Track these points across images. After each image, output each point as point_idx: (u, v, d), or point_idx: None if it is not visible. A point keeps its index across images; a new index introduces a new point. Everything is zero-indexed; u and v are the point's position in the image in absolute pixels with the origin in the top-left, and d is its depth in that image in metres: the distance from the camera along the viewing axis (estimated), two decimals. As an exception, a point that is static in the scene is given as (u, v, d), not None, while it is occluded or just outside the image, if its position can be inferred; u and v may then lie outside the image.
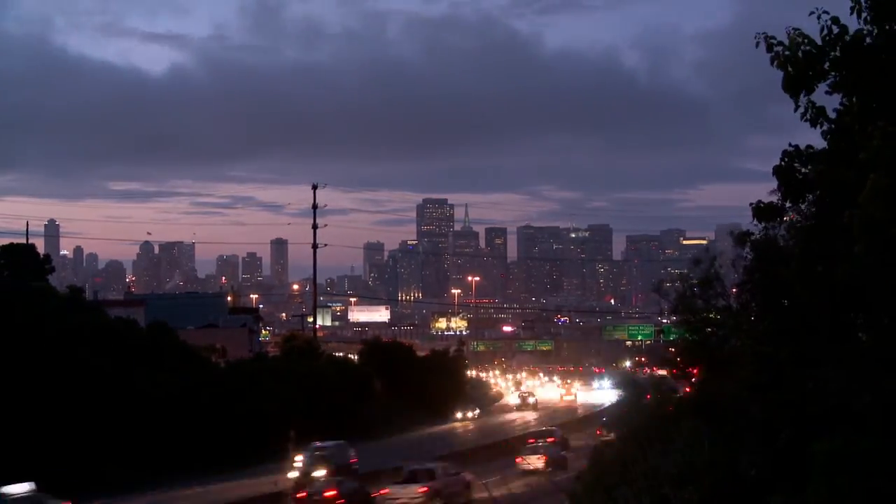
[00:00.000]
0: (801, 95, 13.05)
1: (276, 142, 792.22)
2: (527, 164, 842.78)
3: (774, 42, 13.05)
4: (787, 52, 12.89)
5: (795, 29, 13.02)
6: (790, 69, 12.86)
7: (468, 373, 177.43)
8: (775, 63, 12.97)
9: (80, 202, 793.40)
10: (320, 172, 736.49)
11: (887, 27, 12.54)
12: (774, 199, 14.84)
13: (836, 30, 12.73)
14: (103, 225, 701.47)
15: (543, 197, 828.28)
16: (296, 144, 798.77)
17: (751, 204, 14.99)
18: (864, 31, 12.71)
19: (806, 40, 12.90)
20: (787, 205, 14.73)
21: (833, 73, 12.95)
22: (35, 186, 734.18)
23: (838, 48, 12.72)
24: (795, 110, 13.14)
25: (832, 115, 13.25)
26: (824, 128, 13.22)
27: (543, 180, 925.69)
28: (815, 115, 13.12)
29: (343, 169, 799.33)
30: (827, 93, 13.18)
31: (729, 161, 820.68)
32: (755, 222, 15.93)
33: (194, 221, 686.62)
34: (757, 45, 13.08)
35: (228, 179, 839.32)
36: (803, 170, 13.84)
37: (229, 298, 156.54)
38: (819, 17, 12.82)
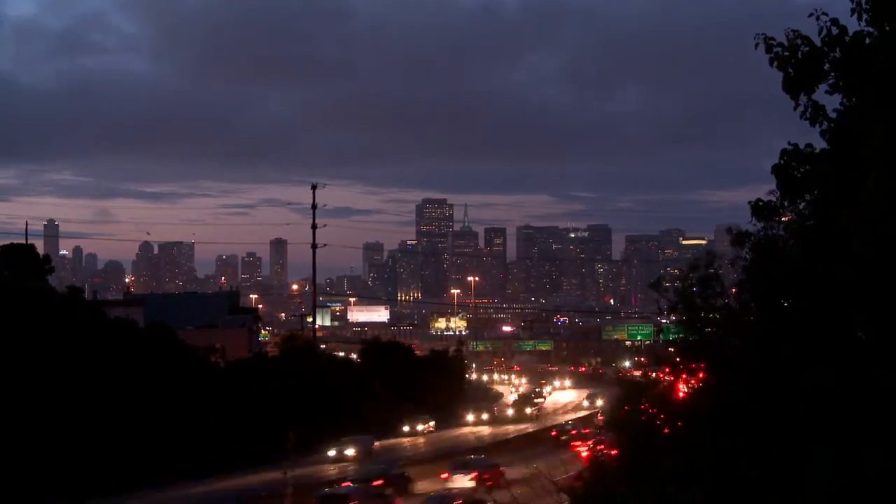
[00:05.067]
0: (801, 95, 13.05)
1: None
2: (551, 164, 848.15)
3: (774, 43, 13.06)
4: (786, 54, 12.90)
5: (794, 31, 13.02)
6: (790, 71, 12.86)
7: (487, 377, 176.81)
8: (775, 64, 12.98)
9: (109, 201, 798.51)
10: (351, 173, 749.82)
11: (887, 28, 12.54)
12: (773, 198, 14.82)
13: (835, 31, 12.73)
14: (122, 226, 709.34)
15: (569, 197, 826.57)
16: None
17: (749, 202, 14.98)
18: (864, 32, 12.71)
19: (805, 42, 12.90)
20: (786, 204, 14.71)
21: (832, 74, 12.94)
22: (64, 188, 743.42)
23: (838, 49, 12.72)
24: (795, 109, 13.14)
25: (832, 114, 13.24)
26: (824, 127, 13.21)
27: (567, 181, 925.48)
28: (815, 114, 13.12)
29: (371, 168, 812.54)
30: (827, 92, 13.17)
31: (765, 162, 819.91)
32: (753, 222, 15.90)
33: (221, 222, 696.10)
34: (756, 46, 13.09)
35: (261, 180, 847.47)
36: (802, 169, 13.82)
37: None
38: (818, 19, 12.82)
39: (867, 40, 12.71)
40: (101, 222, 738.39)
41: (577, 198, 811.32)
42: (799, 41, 12.95)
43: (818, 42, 13.00)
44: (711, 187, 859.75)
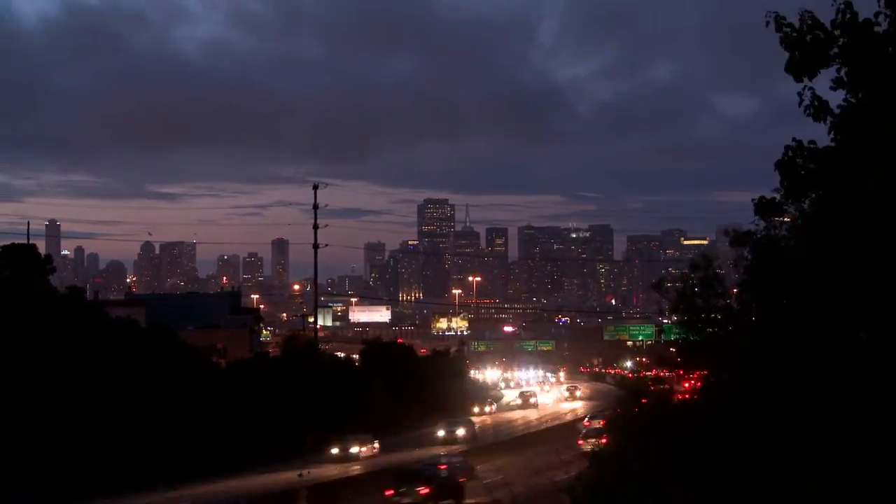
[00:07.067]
0: (805, 84, 12.97)
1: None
2: (563, 165, 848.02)
3: (784, 23, 12.96)
4: (794, 34, 12.82)
5: (807, 12, 12.94)
6: (797, 53, 12.78)
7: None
8: (783, 44, 12.91)
9: (120, 201, 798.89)
10: (363, 172, 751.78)
11: None
12: (777, 195, 14.74)
13: (848, 15, 12.67)
14: (127, 226, 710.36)
15: (580, 198, 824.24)
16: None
17: (752, 199, 14.90)
18: (874, 20, 12.62)
19: (815, 24, 12.82)
20: (789, 201, 14.63)
21: (838, 62, 12.86)
22: (79, 189, 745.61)
23: (847, 35, 12.63)
24: (800, 105, 13.07)
25: (835, 110, 13.18)
26: (828, 123, 13.14)
27: (580, 182, 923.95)
28: (818, 109, 13.05)
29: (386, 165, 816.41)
30: (831, 88, 13.10)
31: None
32: (757, 220, 15.83)
33: (234, 223, 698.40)
34: (767, 24, 12.99)
35: (277, 180, 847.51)
36: (806, 166, 13.75)
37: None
38: (834, 0, 12.74)
39: (883, 25, 12.62)
40: (105, 223, 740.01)
41: (587, 198, 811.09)
42: (810, 23, 12.87)
43: (828, 26, 12.93)
44: (718, 187, 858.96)
